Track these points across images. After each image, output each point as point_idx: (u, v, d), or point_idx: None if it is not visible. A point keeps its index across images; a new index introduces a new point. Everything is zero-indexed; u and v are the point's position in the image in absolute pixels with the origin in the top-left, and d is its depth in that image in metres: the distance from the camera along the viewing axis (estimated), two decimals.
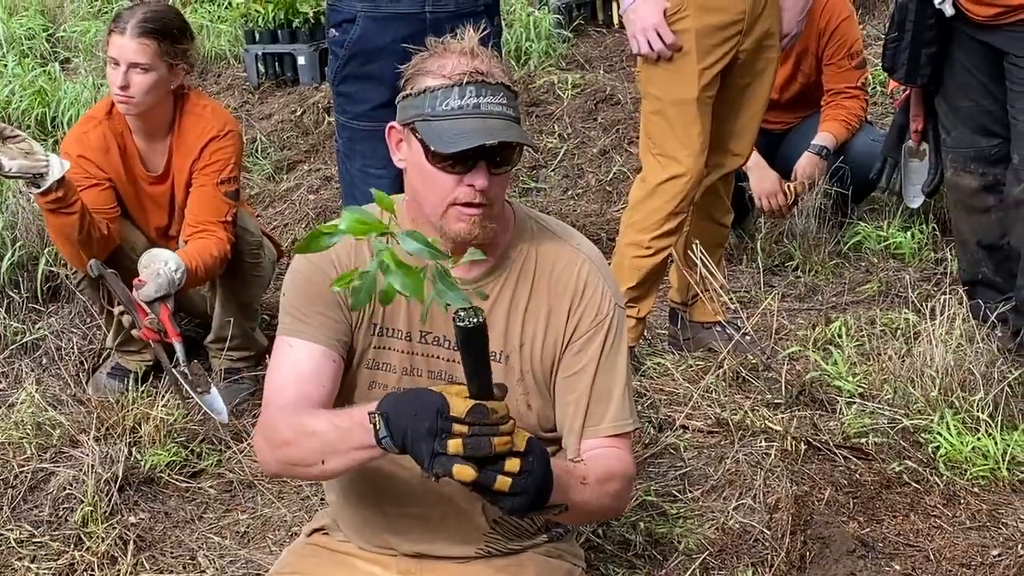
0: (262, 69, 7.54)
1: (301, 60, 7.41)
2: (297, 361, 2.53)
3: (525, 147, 2.53)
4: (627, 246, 4.16)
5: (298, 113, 7.01)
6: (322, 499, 3.38)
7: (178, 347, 3.85)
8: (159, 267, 3.83)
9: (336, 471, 2.43)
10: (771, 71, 4.20)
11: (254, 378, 4.27)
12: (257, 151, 6.72)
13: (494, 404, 2.15)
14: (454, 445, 2.11)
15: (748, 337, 4.22)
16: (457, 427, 2.12)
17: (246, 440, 3.86)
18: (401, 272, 1.95)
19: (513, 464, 2.16)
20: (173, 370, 3.90)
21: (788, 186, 5.29)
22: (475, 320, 2.09)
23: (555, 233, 2.67)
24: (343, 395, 2.59)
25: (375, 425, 2.21)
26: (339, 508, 2.75)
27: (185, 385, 3.89)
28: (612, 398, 2.62)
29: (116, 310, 3.96)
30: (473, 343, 2.12)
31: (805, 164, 5.36)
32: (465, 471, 2.12)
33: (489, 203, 2.46)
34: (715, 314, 4.31)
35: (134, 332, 3.90)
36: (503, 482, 2.16)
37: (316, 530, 2.83)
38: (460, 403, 2.14)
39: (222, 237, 4.07)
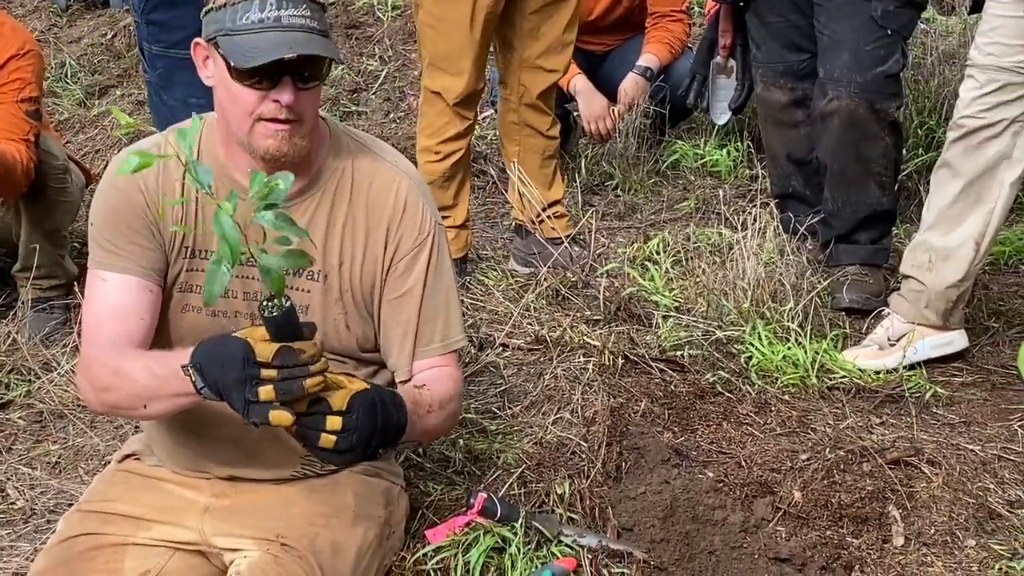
0: None
1: None
2: (112, 295, 2.47)
3: (336, 63, 2.50)
4: (420, 152, 4.18)
5: (109, 37, 6.79)
6: (135, 428, 3.31)
7: None
8: None
9: (161, 414, 2.42)
10: None
11: (64, 307, 4.15)
12: (67, 76, 6.50)
13: (301, 344, 2.14)
14: (265, 392, 2.11)
15: (585, 253, 4.25)
16: (266, 372, 2.11)
17: (56, 370, 3.74)
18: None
19: (335, 422, 2.18)
20: None
21: (613, 110, 5.32)
22: (284, 307, 2.11)
23: (371, 150, 2.65)
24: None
25: (191, 377, 2.21)
26: (152, 432, 2.70)
27: None
28: (440, 317, 2.64)
29: None
30: (283, 330, 2.13)
31: (629, 85, 5.39)
32: (282, 416, 2.12)
33: (298, 119, 2.42)
34: (553, 230, 4.32)
35: None
36: (327, 440, 2.18)
37: (127, 456, 2.78)
38: (266, 347, 2.12)
39: (24, 151, 3.93)
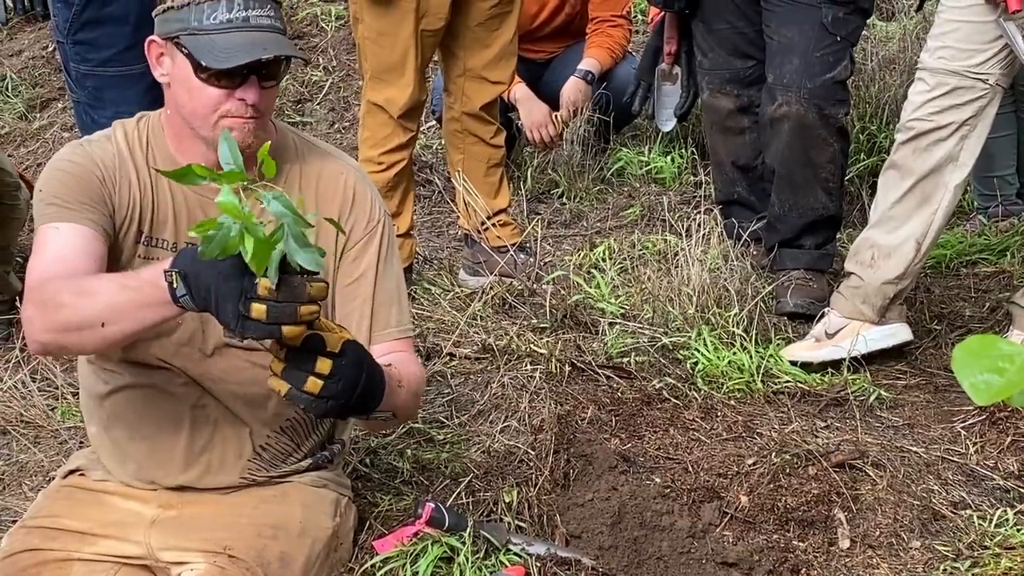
0: (10, 4, 7.21)
1: None
2: (67, 238, 2.37)
3: (293, 61, 2.54)
4: (362, 163, 4.16)
5: (50, 49, 6.74)
6: (80, 443, 3.28)
7: None
8: None
9: (116, 336, 2.25)
10: (515, 2, 4.22)
11: (7, 322, 4.10)
12: (8, 89, 6.46)
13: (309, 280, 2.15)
14: (257, 310, 2.04)
15: (531, 260, 4.25)
16: (263, 289, 2.04)
17: None
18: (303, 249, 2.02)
19: (324, 364, 2.15)
20: None
21: (556, 117, 5.34)
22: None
23: (317, 146, 2.70)
24: None
25: (172, 283, 2.12)
26: (100, 441, 2.67)
27: None
28: (394, 303, 2.66)
29: None
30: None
31: (571, 89, 5.40)
32: (295, 330, 2.08)
33: (260, 115, 2.46)
34: (499, 239, 4.32)
35: None
36: (313, 383, 2.15)
37: (72, 471, 2.74)
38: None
39: None
